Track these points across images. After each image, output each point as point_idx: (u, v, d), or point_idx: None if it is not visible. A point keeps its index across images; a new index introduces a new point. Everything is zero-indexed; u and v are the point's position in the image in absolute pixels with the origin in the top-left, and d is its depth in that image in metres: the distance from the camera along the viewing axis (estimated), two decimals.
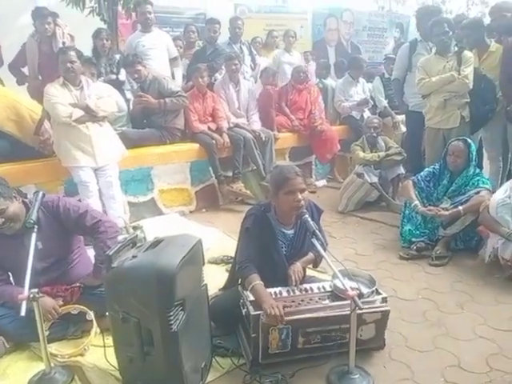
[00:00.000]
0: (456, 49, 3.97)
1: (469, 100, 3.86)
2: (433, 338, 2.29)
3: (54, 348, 2.19)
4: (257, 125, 4.85)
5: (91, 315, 2.26)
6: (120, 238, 2.39)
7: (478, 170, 3.38)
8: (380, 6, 12.53)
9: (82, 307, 2.28)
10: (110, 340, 2.00)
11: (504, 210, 2.86)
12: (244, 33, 5.51)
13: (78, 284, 2.37)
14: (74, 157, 3.49)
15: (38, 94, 4.15)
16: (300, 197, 2.11)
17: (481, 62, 4.01)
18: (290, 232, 2.28)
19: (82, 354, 2.19)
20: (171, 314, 1.68)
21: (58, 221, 2.31)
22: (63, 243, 2.38)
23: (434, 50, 4.12)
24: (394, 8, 12.37)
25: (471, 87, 3.78)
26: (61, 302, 2.29)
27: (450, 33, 3.87)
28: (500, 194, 2.97)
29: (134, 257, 1.76)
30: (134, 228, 3.45)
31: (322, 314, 1.99)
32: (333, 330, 2.02)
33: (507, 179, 4.07)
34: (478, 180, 3.28)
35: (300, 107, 5.23)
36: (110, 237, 2.31)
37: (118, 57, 4.71)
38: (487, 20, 4.57)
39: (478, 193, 3.21)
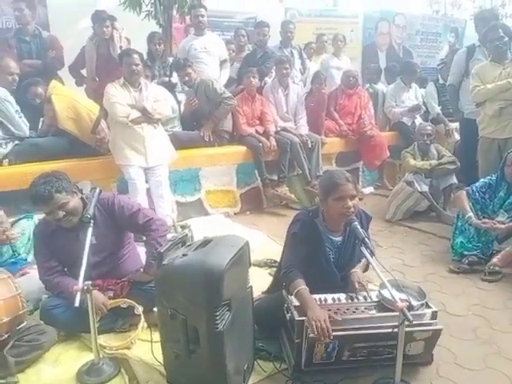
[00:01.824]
0: None
1: None
2: (484, 357, 2.19)
3: (102, 339, 2.26)
4: (304, 129, 4.84)
5: (139, 310, 2.33)
6: (168, 236, 2.45)
7: None
8: (435, 9, 12.15)
9: (131, 301, 2.35)
10: (156, 335, 2.05)
11: None
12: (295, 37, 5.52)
13: (127, 279, 2.44)
14: (126, 155, 3.62)
15: (94, 95, 4.36)
16: (350, 203, 2.08)
17: None
18: (338, 239, 2.25)
19: (128, 348, 2.25)
20: (218, 313, 1.70)
21: (112, 218, 2.40)
22: (115, 239, 2.47)
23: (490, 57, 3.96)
24: (449, 12, 11.96)
25: None
26: (111, 295, 2.37)
27: (506, 38, 3.70)
28: None
29: (184, 255, 1.79)
30: (182, 227, 3.53)
31: (369, 329, 1.93)
32: (380, 346, 1.97)
33: None
34: None
35: (349, 112, 5.17)
36: (161, 235, 2.38)
37: (171, 60, 4.85)
38: None
39: None
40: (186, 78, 4.37)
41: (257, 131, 4.63)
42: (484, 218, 3.23)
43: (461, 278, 3.06)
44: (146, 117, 3.62)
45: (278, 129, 4.73)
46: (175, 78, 4.69)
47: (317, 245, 2.21)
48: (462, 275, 3.09)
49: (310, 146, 4.69)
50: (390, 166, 5.44)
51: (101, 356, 2.11)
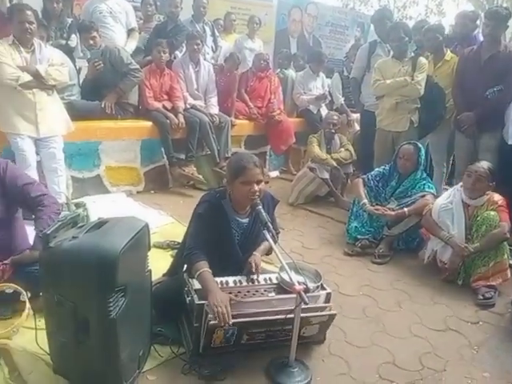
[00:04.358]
0: (413, 54, 4.07)
1: (419, 106, 3.95)
2: (371, 335, 2.35)
3: None
4: (215, 109, 4.76)
5: (25, 296, 2.11)
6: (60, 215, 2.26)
7: (424, 175, 3.49)
8: (344, 3, 12.66)
9: (16, 286, 2.11)
10: (42, 322, 1.86)
11: (445, 214, 2.97)
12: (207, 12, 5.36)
13: (8, 261, 2.19)
14: (13, 123, 3.26)
15: None
16: (256, 188, 2.07)
17: (435, 69, 4.12)
18: (245, 221, 2.24)
19: (9, 338, 2.03)
20: (111, 300, 1.59)
21: (2, 186, 2.19)
22: (3, 211, 2.22)
23: (391, 53, 4.20)
24: (357, 7, 12.56)
25: (422, 93, 3.87)
26: None
27: (406, 38, 3.95)
28: (442, 199, 3.08)
29: (74, 237, 1.63)
30: (77, 205, 3.27)
31: (268, 314, 1.95)
32: (278, 330, 2.01)
33: (449, 184, 4.27)
34: (424, 184, 3.40)
35: (259, 95, 5.19)
36: (54, 211, 2.22)
37: (69, 21, 4.44)
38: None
39: (423, 196, 3.32)
40: (91, 42, 4.02)
41: (164, 107, 4.44)
42: (377, 204, 3.46)
43: (354, 261, 3.27)
44: (39, 82, 3.27)
45: (188, 106, 4.59)
46: (73, 42, 4.31)
47: (223, 226, 2.18)
48: (355, 257, 3.30)
49: (220, 124, 4.62)
50: (295, 151, 5.60)
51: None
